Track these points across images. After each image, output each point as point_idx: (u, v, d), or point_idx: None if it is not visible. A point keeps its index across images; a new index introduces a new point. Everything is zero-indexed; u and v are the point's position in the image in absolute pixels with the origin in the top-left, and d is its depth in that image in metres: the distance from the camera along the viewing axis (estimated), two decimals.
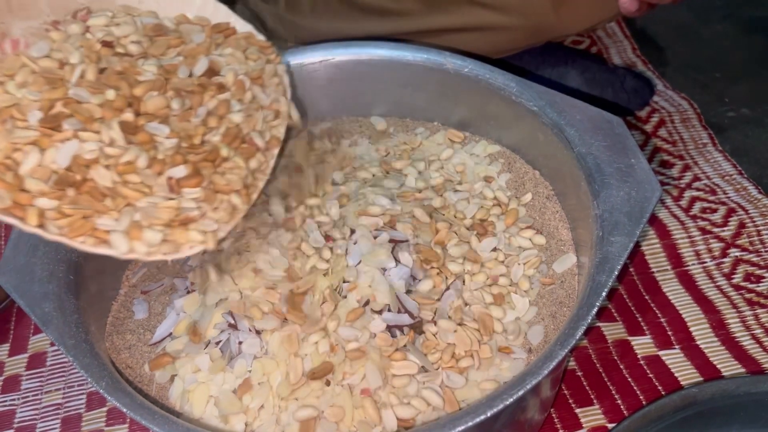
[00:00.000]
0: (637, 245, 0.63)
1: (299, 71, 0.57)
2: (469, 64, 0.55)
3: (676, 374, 0.54)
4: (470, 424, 0.35)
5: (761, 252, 0.62)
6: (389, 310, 0.44)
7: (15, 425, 0.53)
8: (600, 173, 0.45)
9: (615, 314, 0.59)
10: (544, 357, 0.37)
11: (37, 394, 0.55)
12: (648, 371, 0.54)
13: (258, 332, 0.43)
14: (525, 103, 0.52)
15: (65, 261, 0.44)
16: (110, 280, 0.49)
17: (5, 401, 0.55)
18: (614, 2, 0.65)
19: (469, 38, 0.66)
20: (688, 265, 0.62)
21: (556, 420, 0.52)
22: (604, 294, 0.39)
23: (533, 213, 0.51)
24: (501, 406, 0.35)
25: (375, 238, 0.46)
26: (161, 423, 0.36)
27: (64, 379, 0.56)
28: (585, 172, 0.46)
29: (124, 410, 0.36)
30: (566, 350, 0.37)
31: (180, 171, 0.35)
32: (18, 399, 0.55)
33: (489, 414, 0.35)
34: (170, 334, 0.45)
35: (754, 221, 0.65)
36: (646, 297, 0.60)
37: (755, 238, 0.63)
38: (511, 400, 0.35)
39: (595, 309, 0.39)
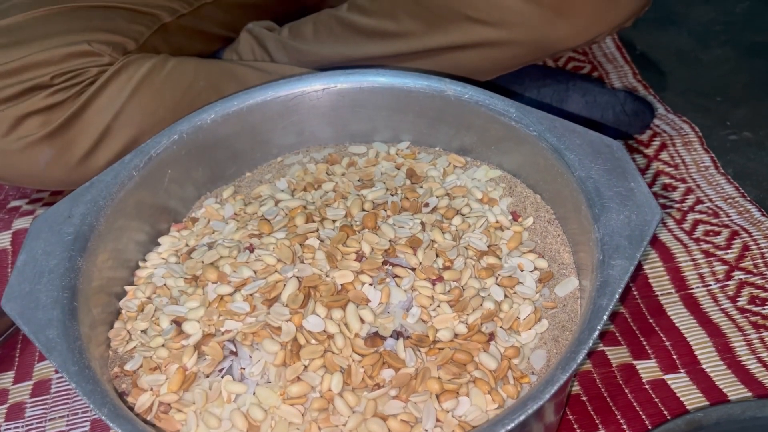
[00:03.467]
0: (641, 268, 0.63)
1: (302, 99, 0.58)
2: (469, 90, 0.55)
3: (681, 398, 0.53)
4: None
5: (766, 274, 0.62)
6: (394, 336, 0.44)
7: None
8: (600, 197, 0.46)
9: (619, 338, 0.58)
10: (545, 381, 0.37)
11: (41, 422, 0.55)
12: (653, 395, 0.54)
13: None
14: (525, 128, 0.52)
15: (70, 288, 0.44)
16: (114, 307, 0.49)
17: (9, 429, 0.55)
18: (613, 14, 0.66)
19: (470, 56, 0.67)
20: (692, 288, 0.62)
21: None
22: (605, 317, 0.39)
23: (535, 237, 0.52)
24: (502, 431, 0.35)
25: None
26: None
27: (68, 406, 0.56)
28: (585, 196, 0.46)
29: (115, 427, 0.36)
30: (568, 374, 0.37)
31: None
32: (22, 427, 0.55)
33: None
34: None
35: (757, 244, 0.64)
36: (651, 320, 0.59)
37: (759, 261, 0.63)
38: (513, 425, 0.35)
39: (597, 332, 0.39)
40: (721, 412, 0.45)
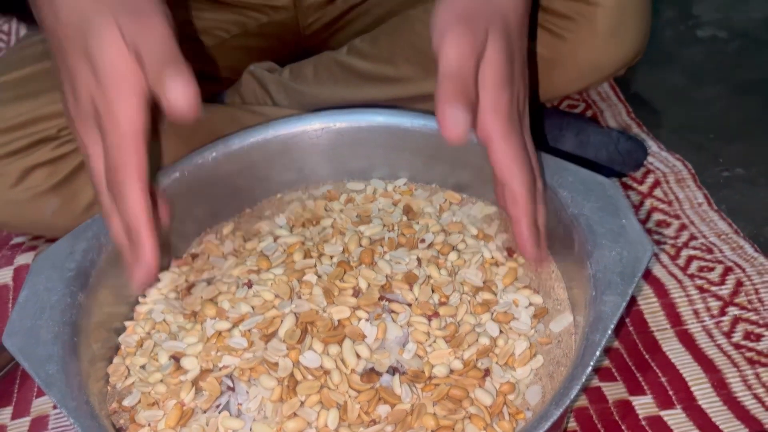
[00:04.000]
0: (636, 303, 0.64)
1: (302, 137, 0.59)
2: None
3: None
4: None
5: (760, 310, 0.63)
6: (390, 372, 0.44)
7: None
8: (593, 234, 0.46)
9: (615, 374, 0.59)
10: (539, 417, 0.37)
11: None
12: (648, 430, 0.54)
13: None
14: None
15: (70, 323, 0.45)
16: (114, 343, 0.49)
17: None
18: (604, 67, 0.69)
19: None
20: (687, 324, 0.62)
21: None
22: (598, 353, 0.39)
23: (530, 273, 0.52)
24: None
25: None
26: None
27: None
28: (578, 233, 0.47)
29: None
30: (561, 410, 0.37)
31: None
32: None
33: None
34: None
35: (751, 279, 0.65)
36: (646, 356, 0.60)
37: (753, 297, 0.64)
38: None
39: (590, 368, 0.39)
40: None
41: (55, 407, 0.59)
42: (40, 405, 0.59)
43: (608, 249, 0.45)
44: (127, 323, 0.50)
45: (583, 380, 0.39)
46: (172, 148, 0.65)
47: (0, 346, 0.60)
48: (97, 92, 0.41)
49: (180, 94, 0.39)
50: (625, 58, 0.69)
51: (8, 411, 0.59)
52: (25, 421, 0.58)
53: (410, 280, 0.50)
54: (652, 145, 0.82)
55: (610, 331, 0.40)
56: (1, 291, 0.69)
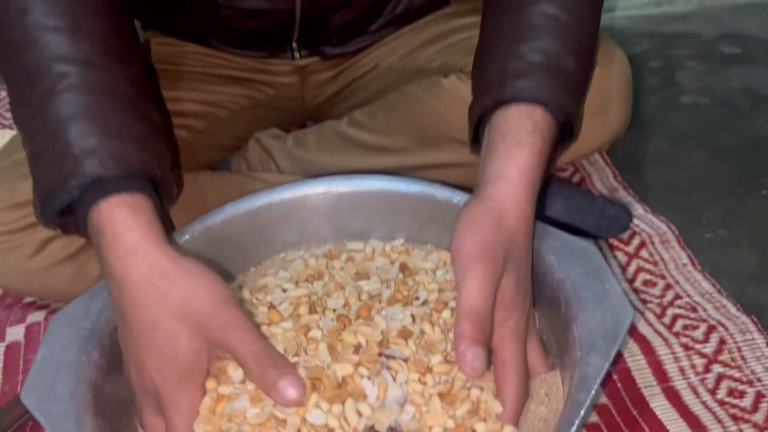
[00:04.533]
0: (623, 361, 0.66)
1: (305, 201, 0.63)
2: (457, 195, 0.60)
3: None
4: None
5: (742, 367, 0.65)
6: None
7: None
8: (578, 298, 0.50)
9: (604, 429, 0.61)
10: None
11: None
12: None
13: None
14: None
15: (85, 381, 0.47)
16: (127, 399, 0.52)
17: None
18: (590, 144, 0.73)
19: (458, 173, 0.73)
20: (673, 381, 0.65)
21: None
22: (582, 412, 0.42)
23: None
24: None
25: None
26: None
27: None
28: (564, 296, 0.50)
29: None
30: None
31: None
32: None
33: None
34: None
35: (734, 338, 0.68)
36: (634, 412, 0.62)
37: (736, 354, 0.66)
38: None
39: (575, 426, 0.42)
40: None
41: None
42: None
43: (592, 312, 0.48)
44: None
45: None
46: (184, 213, 0.68)
47: (11, 402, 0.62)
48: (162, 385, 0.46)
49: (293, 394, 0.45)
50: (609, 135, 0.74)
51: None
52: None
53: (405, 335, 0.52)
54: (638, 208, 0.86)
55: (593, 391, 0.43)
56: (12, 347, 0.71)
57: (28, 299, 0.76)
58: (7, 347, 0.71)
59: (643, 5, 1.41)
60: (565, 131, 0.57)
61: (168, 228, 0.54)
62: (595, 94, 0.69)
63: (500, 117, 0.54)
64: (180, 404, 0.46)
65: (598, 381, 0.43)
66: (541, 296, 0.53)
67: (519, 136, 0.52)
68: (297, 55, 0.84)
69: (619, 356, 0.67)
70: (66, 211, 0.50)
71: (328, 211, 0.64)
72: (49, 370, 0.48)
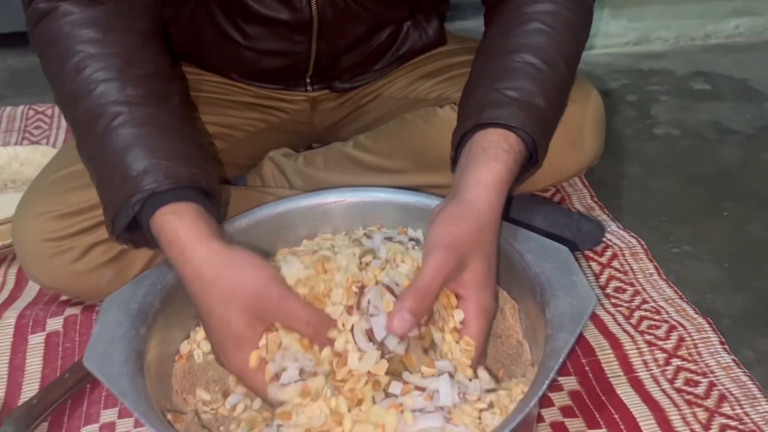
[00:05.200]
0: (595, 354, 0.75)
1: (318, 208, 0.73)
2: None
3: None
4: None
5: (698, 361, 0.74)
6: None
7: None
8: (550, 288, 0.59)
9: (576, 411, 0.69)
10: (505, 421, 0.49)
11: None
12: None
13: None
14: None
15: (135, 350, 0.56)
16: (167, 367, 0.61)
17: None
18: (566, 171, 0.83)
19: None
20: (637, 372, 0.73)
21: None
22: (552, 374, 0.51)
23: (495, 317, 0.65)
24: None
25: None
26: None
27: None
28: (539, 287, 0.60)
29: None
30: (522, 415, 0.49)
31: None
32: None
33: None
34: None
35: (691, 336, 0.77)
36: (603, 398, 0.71)
37: (693, 350, 0.76)
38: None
39: (544, 386, 0.51)
40: None
41: None
42: None
43: (562, 299, 0.58)
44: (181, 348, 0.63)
45: (540, 394, 0.50)
46: None
47: (58, 378, 0.70)
48: (226, 360, 0.57)
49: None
50: (583, 164, 0.83)
51: None
52: None
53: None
54: (612, 225, 0.96)
55: (561, 359, 0.52)
56: (52, 336, 0.79)
57: (64, 297, 0.85)
58: (48, 336, 0.79)
59: (622, 44, 1.53)
60: (531, 158, 0.67)
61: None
62: (572, 128, 0.79)
63: (481, 135, 0.64)
64: (242, 370, 0.56)
65: (565, 352, 0.53)
66: (521, 287, 0.63)
67: (497, 153, 0.62)
68: (309, 88, 0.94)
69: (590, 350, 0.76)
70: (134, 227, 0.61)
71: (338, 218, 0.73)
72: (105, 341, 0.56)
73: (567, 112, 0.76)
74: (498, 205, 0.61)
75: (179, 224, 0.57)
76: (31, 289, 0.87)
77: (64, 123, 1.24)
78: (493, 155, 0.62)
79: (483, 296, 0.58)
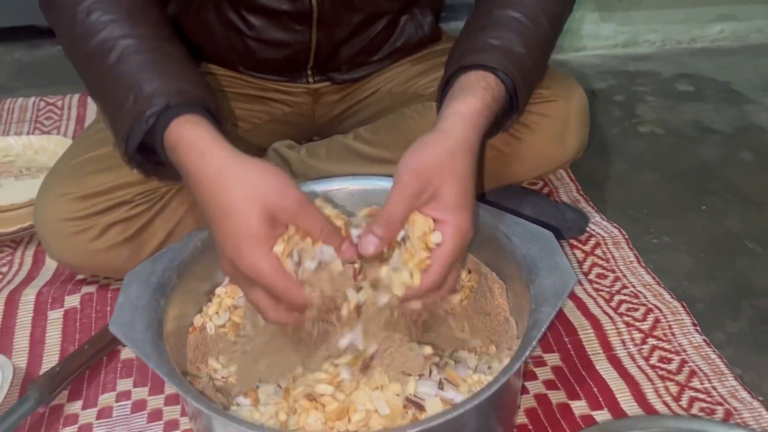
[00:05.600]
0: (577, 334, 0.81)
1: (325, 194, 0.78)
2: None
3: None
4: (436, 422, 0.52)
5: (672, 341, 0.80)
6: None
7: None
8: (535, 267, 0.65)
9: (558, 385, 0.75)
10: (492, 381, 0.55)
11: None
12: (583, 426, 0.70)
13: None
14: (485, 221, 0.72)
15: (156, 319, 0.62)
16: (183, 338, 0.66)
17: None
18: (551, 163, 0.88)
19: None
20: (615, 350, 0.79)
21: None
22: (534, 343, 0.57)
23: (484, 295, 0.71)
24: (462, 410, 0.52)
25: None
26: (220, 412, 0.54)
27: (127, 426, 0.71)
28: (525, 266, 0.65)
29: (201, 407, 0.53)
30: (506, 377, 0.55)
31: None
32: None
33: (454, 414, 0.52)
34: None
35: (666, 318, 0.83)
36: (583, 372, 0.77)
37: (667, 331, 0.82)
38: (470, 406, 0.52)
39: (528, 351, 0.56)
40: (623, 423, 0.62)
41: (117, 401, 0.74)
42: (105, 399, 0.74)
43: (545, 278, 0.63)
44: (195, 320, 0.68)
45: (523, 359, 0.56)
46: None
47: (78, 349, 0.76)
48: (240, 260, 0.57)
49: (350, 255, 0.58)
50: (568, 156, 0.89)
51: (79, 403, 0.74)
52: (93, 411, 0.73)
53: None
54: (596, 216, 1.01)
55: (544, 329, 0.58)
56: (70, 312, 0.85)
57: (80, 276, 0.90)
58: (66, 312, 0.85)
59: (611, 46, 1.59)
60: (513, 105, 0.70)
61: None
62: (558, 122, 0.85)
63: (462, 78, 0.68)
64: (260, 267, 0.56)
65: (547, 323, 0.58)
66: (509, 268, 0.68)
67: (474, 89, 0.65)
68: (311, 80, 0.99)
69: (573, 330, 0.82)
70: (145, 151, 0.64)
71: (341, 204, 0.79)
72: (128, 311, 0.62)
73: (553, 108, 0.82)
74: (473, 135, 0.62)
75: (197, 130, 0.60)
76: (48, 269, 0.92)
77: (74, 114, 1.29)
78: (470, 91, 0.65)
79: (459, 217, 0.60)
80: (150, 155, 0.65)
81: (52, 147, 1.10)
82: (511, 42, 0.70)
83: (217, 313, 0.71)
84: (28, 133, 1.22)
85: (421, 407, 0.57)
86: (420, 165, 0.59)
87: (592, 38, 1.57)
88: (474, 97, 0.65)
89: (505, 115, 0.71)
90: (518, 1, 0.72)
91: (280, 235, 0.57)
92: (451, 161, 0.60)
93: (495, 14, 0.72)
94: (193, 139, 0.59)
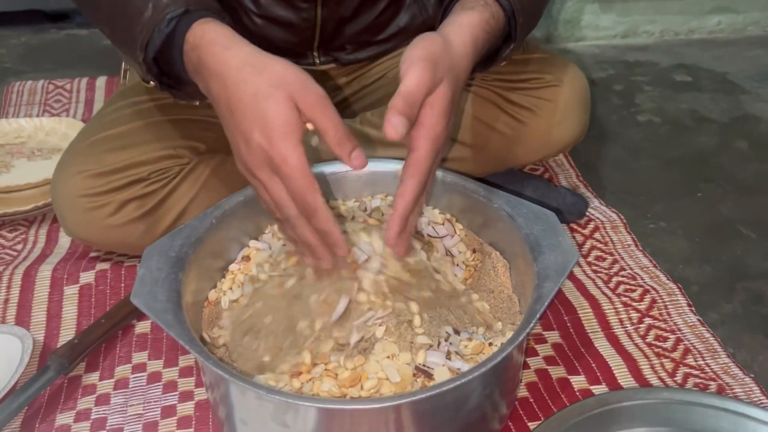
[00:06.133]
0: (576, 313, 0.84)
1: (332, 176, 0.81)
2: (449, 175, 0.78)
3: None
4: (444, 388, 0.55)
5: (667, 320, 0.83)
6: None
7: (107, 428, 0.71)
8: (538, 245, 0.68)
9: (558, 360, 0.78)
10: (498, 352, 0.57)
11: (123, 407, 0.73)
12: (581, 399, 0.74)
13: None
14: (489, 202, 0.75)
15: (176, 291, 0.64)
16: (199, 311, 0.69)
17: (99, 410, 0.73)
18: (553, 146, 0.91)
19: (452, 165, 0.90)
20: (613, 328, 0.82)
21: (512, 429, 0.70)
22: (538, 316, 0.60)
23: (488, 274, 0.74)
24: (470, 377, 0.55)
25: None
26: (240, 377, 0.56)
27: (143, 396, 0.74)
28: (528, 246, 0.68)
29: (222, 373, 0.56)
30: (512, 347, 0.57)
31: None
32: (108, 410, 0.73)
33: (462, 381, 0.55)
34: None
35: (663, 299, 0.86)
36: (582, 350, 0.80)
37: (663, 311, 0.85)
38: (475, 374, 0.55)
39: (530, 326, 0.59)
40: (621, 394, 0.65)
41: (133, 372, 0.77)
42: (122, 371, 0.77)
43: (548, 255, 0.66)
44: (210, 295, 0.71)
45: (527, 331, 0.59)
46: (225, 186, 0.85)
47: (95, 322, 0.78)
48: (269, 145, 0.56)
49: (359, 162, 0.59)
50: (569, 139, 0.91)
51: (96, 374, 0.77)
52: (110, 382, 0.76)
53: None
54: (595, 201, 1.04)
55: (547, 303, 0.61)
56: (85, 288, 0.87)
57: (94, 253, 0.92)
58: (81, 288, 0.87)
59: (610, 36, 1.61)
60: (510, 32, 0.71)
61: None
62: (559, 107, 0.87)
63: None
64: (289, 157, 0.56)
65: (550, 298, 0.61)
66: (513, 247, 0.71)
67: (474, 5, 0.66)
68: (317, 61, 1.01)
69: (572, 309, 0.85)
70: (160, 61, 0.64)
71: (350, 186, 0.81)
72: (149, 283, 0.64)
73: (554, 92, 0.85)
74: (471, 45, 0.63)
75: (219, 28, 0.61)
76: (61, 248, 0.95)
77: (83, 97, 1.31)
78: (469, 7, 0.66)
79: (438, 123, 0.60)
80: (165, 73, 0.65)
81: (63, 129, 1.12)
82: None
83: (231, 288, 0.73)
84: (37, 116, 1.24)
85: (429, 375, 0.59)
86: (431, 55, 0.59)
87: (592, 29, 1.59)
88: (473, 11, 0.65)
89: (503, 46, 0.72)
90: None
91: (304, 126, 0.57)
92: (451, 62, 0.60)
93: None
94: (216, 35, 0.60)
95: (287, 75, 0.57)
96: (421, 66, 0.58)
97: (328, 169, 0.81)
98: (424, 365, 0.60)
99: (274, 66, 0.58)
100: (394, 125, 0.56)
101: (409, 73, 0.57)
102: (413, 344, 0.61)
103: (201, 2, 0.64)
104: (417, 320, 0.63)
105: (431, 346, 0.61)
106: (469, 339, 0.64)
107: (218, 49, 0.60)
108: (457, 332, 0.64)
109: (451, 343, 0.63)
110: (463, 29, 0.64)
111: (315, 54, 0.99)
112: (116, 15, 0.67)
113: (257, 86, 0.57)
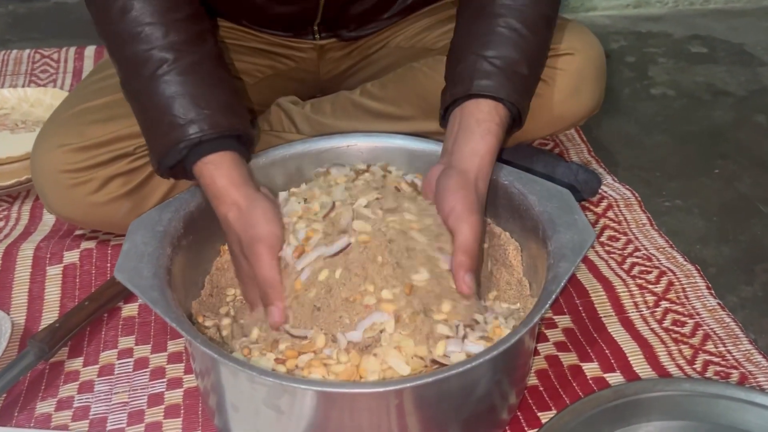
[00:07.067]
0: (589, 296, 0.80)
1: (331, 152, 0.76)
2: None
3: None
4: (451, 372, 0.50)
5: (685, 304, 0.79)
6: None
7: (90, 417, 0.67)
8: (553, 224, 0.63)
9: (570, 346, 0.74)
10: (511, 335, 0.53)
11: (107, 395, 0.69)
12: (595, 388, 0.69)
13: None
14: (500, 179, 0.70)
15: (163, 266, 0.60)
16: (191, 285, 0.65)
17: (81, 398, 0.68)
18: (566, 119, 0.86)
19: None
20: (628, 313, 0.78)
21: (521, 420, 0.66)
22: (553, 297, 0.55)
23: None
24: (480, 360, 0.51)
25: None
26: (231, 357, 0.53)
27: (129, 383, 0.70)
28: (542, 223, 0.63)
29: (211, 353, 0.52)
30: (525, 329, 0.53)
31: None
32: (92, 398, 0.68)
33: (471, 365, 0.50)
34: None
35: (680, 281, 0.82)
36: (595, 335, 0.75)
37: (681, 294, 0.80)
38: (487, 357, 0.51)
39: (546, 306, 0.55)
40: (639, 385, 0.60)
41: (119, 358, 0.72)
42: (106, 357, 0.73)
43: (563, 234, 0.62)
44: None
45: (542, 313, 0.55)
46: None
47: (78, 305, 0.74)
48: (245, 262, 0.64)
49: (277, 318, 0.61)
50: (583, 112, 0.86)
51: (80, 360, 0.72)
52: (95, 368, 0.71)
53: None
54: (608, 178, 0.99)
55: (563, 284, 0.56)
56: (69, 268, 0.82)
57: (78, 232, 0.87)
58: (65, 268, 0.82)
59: (622, 6, 1.55)
60: (515, 121, 0.72)
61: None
62: (573, 77, 0.82)
63: (474, 106, 0.69)
64: (260, 273, 0.62)
65: (566, 279, 0.57)
66: (524, 227, 0.67)
67: (490, 127, 0.68)
68: (317, 37, 0.95)
69: (584, 292, 0.80)
70: (174, 165, 0.67)
71: (350, 160, 0.76)
72: (134, 258, 0.60)
73: (568, 61, 0.79)
74: (489, 172, 0.68)
75: (216, 173, 0.65)
76: (45, 225, 0.90)
77: (70, 67, 1.26)
78: (486, 128, 0.68)
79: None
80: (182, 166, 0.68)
81: (48, 100, 1.07)
82: (515, 64, 0.70)
83: (218, 268, 0.69)
84: (23, 86, 1.18)
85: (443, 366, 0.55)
86: (469, 204, 0.63)
87: None
88: (490, 135, 0.68)
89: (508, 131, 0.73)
90: (518, 7, 0.71)
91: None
92: (480, 195, 0.66)
93: (496, 24, 0.71)
94: (209, 182, 0.65)
95: (251, 229, 0.63)
96: (472, 221, 0.62)
97: (327, 143, 0.76)
98: (441, 357, 0.56)
99: (246, 220, 0.64)
100: (468, 283, 0.60)
101: (464, 230, 0.62)
102: (431, 335, 0.56)
103: (216, 126, 0.66)
104: (447, 306, 0.59)
105: (449, 337, 0.57)
106: (495, 318, 0.60)
107: (211, 195, 0.65)
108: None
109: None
110: (483, 160, 0.67)
111: (315, 29, 0.94)
112: (136, 105, 0.70)
113: (235, 235, 0.64)
